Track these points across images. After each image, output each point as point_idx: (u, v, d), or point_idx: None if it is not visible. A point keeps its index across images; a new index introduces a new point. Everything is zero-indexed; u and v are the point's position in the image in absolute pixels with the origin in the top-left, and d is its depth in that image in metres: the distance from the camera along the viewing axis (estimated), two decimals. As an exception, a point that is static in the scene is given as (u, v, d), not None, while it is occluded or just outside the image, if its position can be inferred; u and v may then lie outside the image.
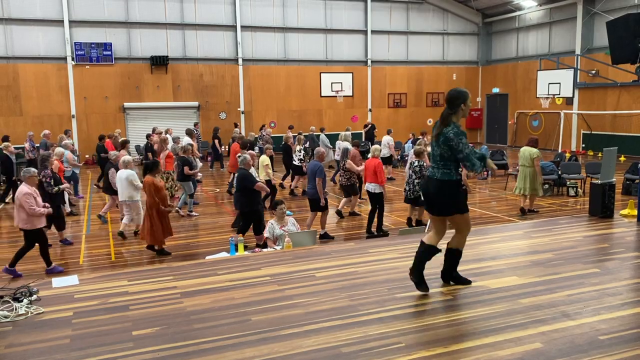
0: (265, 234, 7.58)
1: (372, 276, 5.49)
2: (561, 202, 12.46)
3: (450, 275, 5.15)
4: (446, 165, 4.73)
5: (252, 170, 9.93)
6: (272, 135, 21.16)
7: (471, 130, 27.84)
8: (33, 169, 8.16)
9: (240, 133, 19.53)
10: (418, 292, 4.95)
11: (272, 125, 24.18)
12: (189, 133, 17.01)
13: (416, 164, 10.17)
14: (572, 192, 13.28)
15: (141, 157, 16.72)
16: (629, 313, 4.43)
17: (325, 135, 18.90)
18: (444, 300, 4.77)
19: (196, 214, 11.93)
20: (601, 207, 8.04)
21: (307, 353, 3.82)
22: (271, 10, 24.35)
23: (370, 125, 22.49)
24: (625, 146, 18.51)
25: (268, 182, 11.95)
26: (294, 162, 14.13)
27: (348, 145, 13.66)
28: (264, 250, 7.22)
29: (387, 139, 17.20)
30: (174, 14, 22.83)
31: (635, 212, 8.00)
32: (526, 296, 4.82)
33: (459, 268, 5.15)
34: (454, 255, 5.05)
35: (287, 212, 8.53)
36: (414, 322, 4.30)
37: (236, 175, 9.10)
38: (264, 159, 12.24)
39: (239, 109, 24.27)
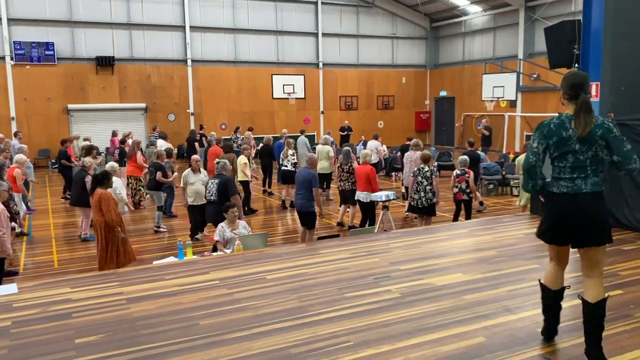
0: (215, 237, 7.48)
1: (322, 277, 5.52)
2: (505, 201, 12.90)
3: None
4: (596, 172, 3.51)
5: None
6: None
7: (419, 132, 28.40)
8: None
9: (202, 134, 19.09)
10: (367, 292, 5.03)
11: (223, 127, 23.92)
12: (164, 137, 15.86)
13: (426, 169, 9.17)
14: (515, 192, 13.77)
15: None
16: (566, 306, 4.61)
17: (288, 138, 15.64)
18: (391, 299, 4.85)
19: (164, 229, 10.49)
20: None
21: (256, 355, 3.81)
22: (221, 11, 24.10)
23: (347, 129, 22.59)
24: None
25: (246, 183, 11.71)
26: (284, 168, 12.59)
27: (330, 148, 12.99)
28: (214, 254, 7.13)
29: (374, 144, 15.61)
30: (120, 13, 22.24)
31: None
32: (470, 292, 4.97)
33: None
34: (598, 310, 3.54)
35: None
36: (362, 320, 4.36)
37: (218, 181, 8.27)
38: (242, 159, 11.75)
39: (188, 111, 23.88)
